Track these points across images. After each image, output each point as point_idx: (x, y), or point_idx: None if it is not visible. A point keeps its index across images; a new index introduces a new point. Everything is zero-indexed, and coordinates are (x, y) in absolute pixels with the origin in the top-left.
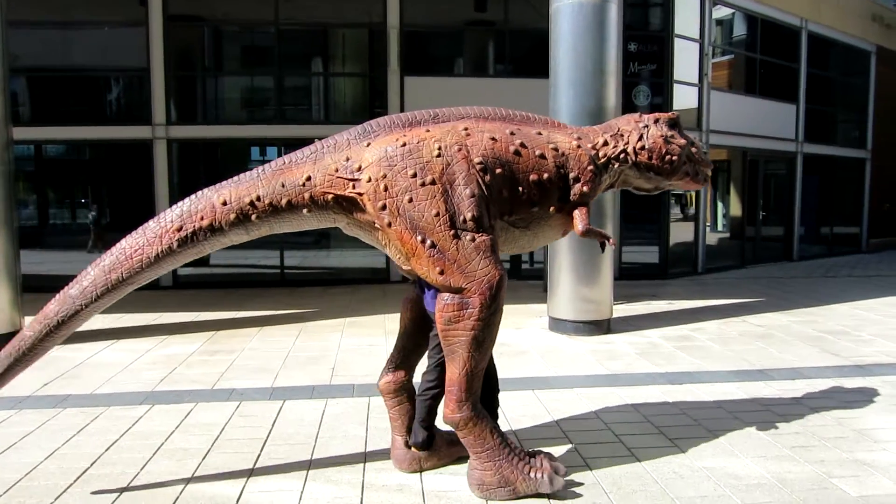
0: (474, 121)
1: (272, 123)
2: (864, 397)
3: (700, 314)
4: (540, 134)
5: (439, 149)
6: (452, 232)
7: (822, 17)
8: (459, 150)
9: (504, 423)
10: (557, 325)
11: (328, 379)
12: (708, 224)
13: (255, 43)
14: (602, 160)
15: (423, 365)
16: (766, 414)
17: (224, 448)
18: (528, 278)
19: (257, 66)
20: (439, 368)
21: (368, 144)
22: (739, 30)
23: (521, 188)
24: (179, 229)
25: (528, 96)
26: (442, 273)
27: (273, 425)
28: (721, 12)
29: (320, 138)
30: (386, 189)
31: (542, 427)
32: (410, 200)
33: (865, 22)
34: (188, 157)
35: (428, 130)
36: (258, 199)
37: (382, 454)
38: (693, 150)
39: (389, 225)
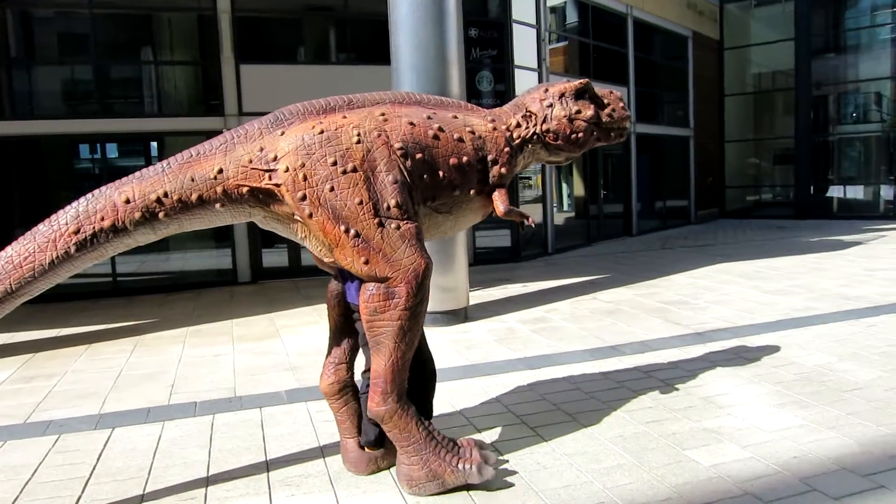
0: (390, 106)
1: (87, 118)
2: (706, 364)
3: (553, 295)
4: (456, 117)
5: (358, 135)
6: (377, 220)
7: (645, 5)
8: (379, 135)
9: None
10: None
11: (166, 398)
12: (554, 205)
13: (67, 29)
14: (517, 142)
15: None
16: (621, 391)
17: (35, 494)
18: None
19: (69, 55)
20: None
21: (282, 133)
22: (572, 16)
23: (441, 172)
24: (77, 231)
25: (371, 83)
26: (367, 263)
27: (98, 459)
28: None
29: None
30: (305, 178)
31: None
32: (332, 189)
33: (682, 9)
34: None
35: (345, 117)
36: (165, 195)
37: (225, 477)
38: (604, 116)
39: (310, 216)
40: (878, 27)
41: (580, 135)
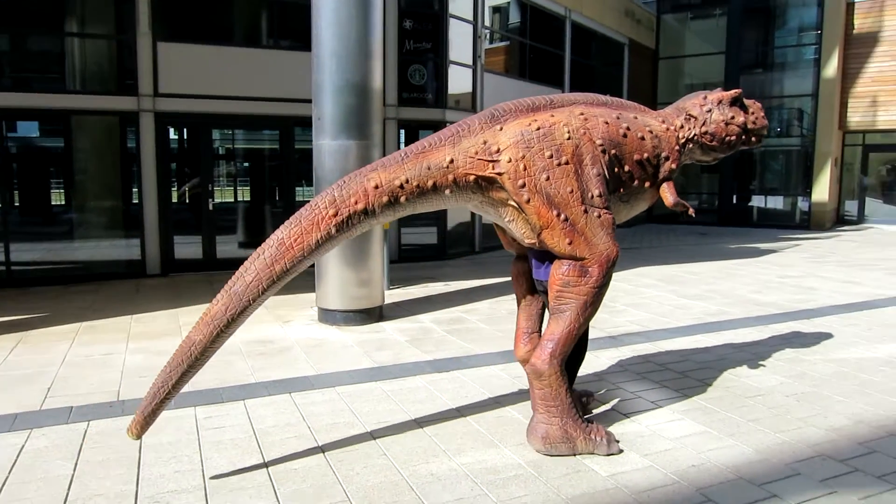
0: (584, 106)
1: None
2: (616, 369)
3: (474, 294)
4: (636, 118)
5: (568, 132)
6: (583, 207)
7: (583, 9)
8: (584, 133)
9: (252, 437)
10: (327, 315)
11: (39, 403)
12: None
13: None
14: (682, 141)
15: None
16: (526, 396)
17: None
18: None
19: None
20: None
21: (501, 128)
22: (514, 17)
23: (627, 167)
24: (335, 214)
25: (298, 70)
26: (570, 244)
27: None
28: None
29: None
30: (525, 168)
31: (292, 437)
32: (547, 179)
33: (620, 16)
34: None
35: (552, 115)
36: (406, 181)
37: (88, 494)
38: (749, 123)
39: (528, 201)
40: (804, 46)
41: (733, 138)
